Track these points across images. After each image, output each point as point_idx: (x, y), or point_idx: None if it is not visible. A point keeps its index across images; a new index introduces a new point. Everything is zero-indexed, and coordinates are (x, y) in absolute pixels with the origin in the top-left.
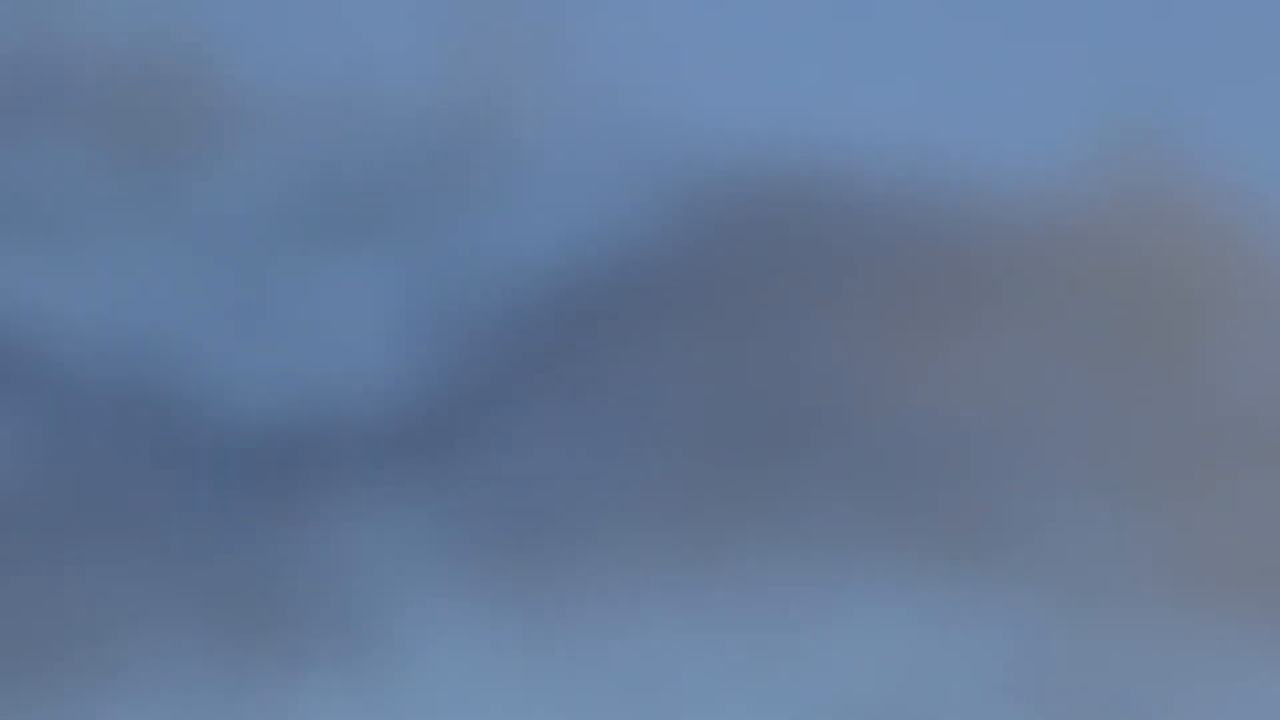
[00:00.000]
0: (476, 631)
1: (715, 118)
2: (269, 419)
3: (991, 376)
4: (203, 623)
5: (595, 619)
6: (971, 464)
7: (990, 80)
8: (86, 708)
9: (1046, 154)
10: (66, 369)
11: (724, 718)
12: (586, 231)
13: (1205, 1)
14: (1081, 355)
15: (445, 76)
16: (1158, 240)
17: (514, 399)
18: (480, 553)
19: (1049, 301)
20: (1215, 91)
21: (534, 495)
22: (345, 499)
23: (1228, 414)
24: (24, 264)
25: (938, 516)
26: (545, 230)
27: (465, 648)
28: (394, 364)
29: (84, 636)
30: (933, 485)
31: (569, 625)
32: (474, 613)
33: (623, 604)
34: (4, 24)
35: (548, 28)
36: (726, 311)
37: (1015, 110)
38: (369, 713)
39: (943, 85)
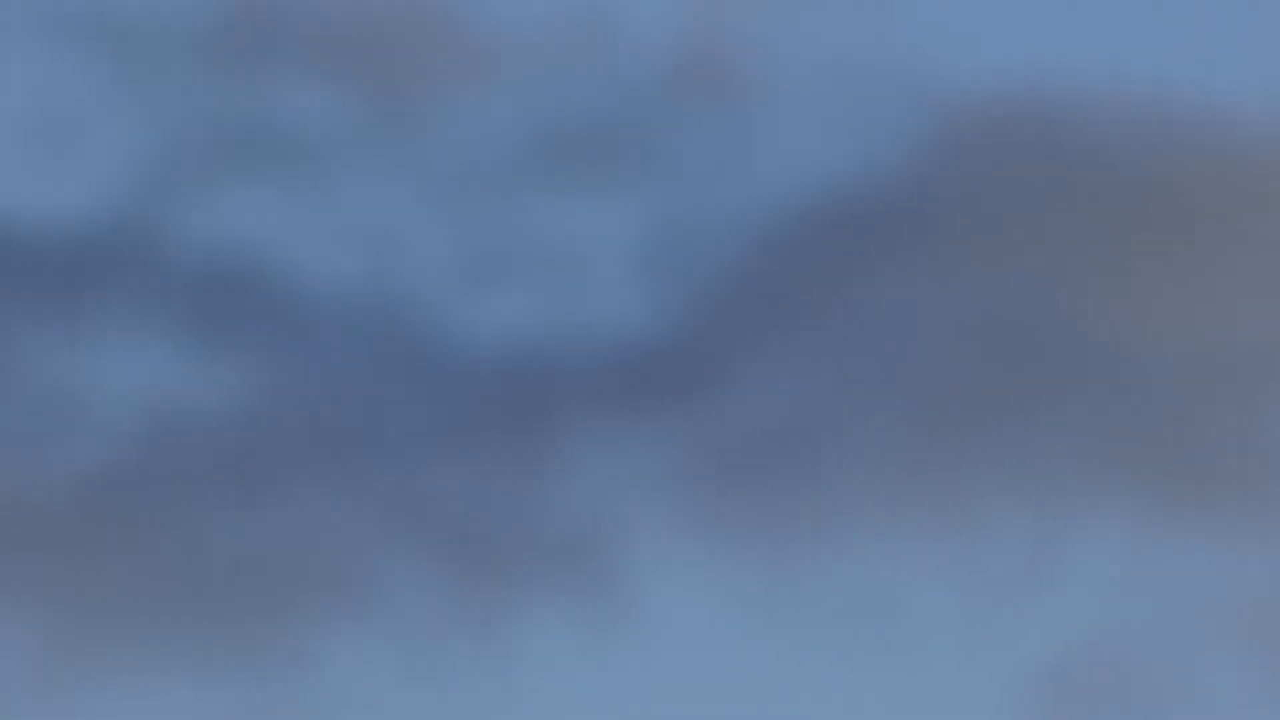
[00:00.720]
0: (711, 566)
1: (961, 51)
2: (509, 355)
3: (1240, 315)
4: (438, 553)
5: (829, 554)
6: (1214, 407)
7: (1229, 12)
8: (318, 631)
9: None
10: (310, 302)
11: (954, 657)
12: (829, 167)
13: None
14: None
15: (683, 12)
16: None
17: (755, 336)
18: (718, 488)
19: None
20: None
21: (773, 432)
22: (585, 435)
23: None
24: (271, 198)
25: (1173, 462)
26: (787, 165)
27: (699, 582)
28: (635, 300)
29: (320, 561)
30: (1170, 431)
31: (804, 561)
32: (709, 548)
33: (857, 540)
34: None
35: None
36: (971, 248)
37: (1259, 39)
38: (603, 644)
39: (1182, 18)
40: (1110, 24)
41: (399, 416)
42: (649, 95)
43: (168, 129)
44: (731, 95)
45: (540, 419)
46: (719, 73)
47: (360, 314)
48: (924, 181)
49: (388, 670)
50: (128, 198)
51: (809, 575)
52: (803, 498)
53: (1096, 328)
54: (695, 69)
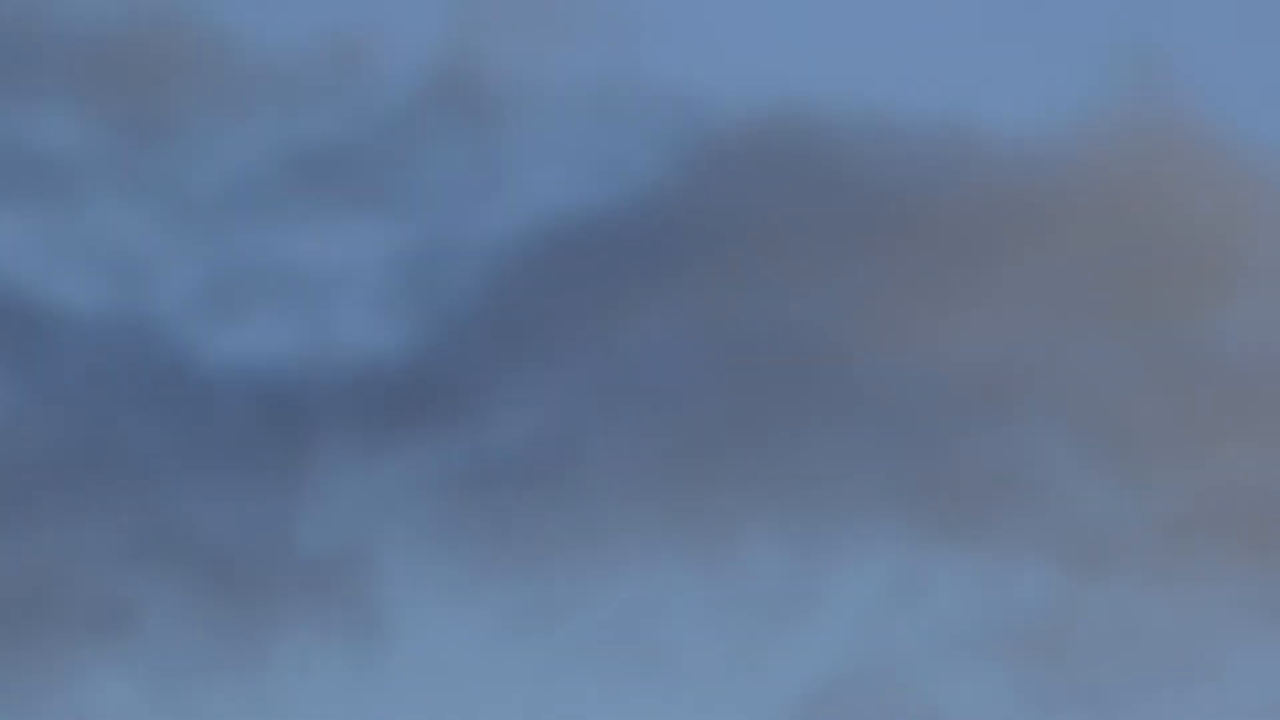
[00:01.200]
0: (467, 588)
1: (712, 77)
2: (260, 380)
3: (996, 334)
4: (193, 579)
5: (586, 577)
6: (975, 426)
7: (1009, 35)
8: (69, 662)
9: (1055, 106)
10: (61, 327)
11: (713, 682)
12: (580, 192)
13: None
14: (1090, 311)
15: (437, 40)
16: (1167, 189)
17: (506, 360)
18: (472, 512)
19: (1055, 257)
20: (1235, 40)
21: (527, 455)
22: (338, 459)
23: (1239, 365)
24: (21, 223)
25: (934, 484)
26: (539, 191)
27: (455, 604)
28: (387, 325)
29: (72, 590)
30: (930, 454)
31: (560, 584)
32: (464, 570)
33: (613, 563)
34: None
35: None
36: (723, 273)
37: (1024, 64)
38: (354, 668)
39: (948, 42)
40: (858, 50)
41: (151, 442)
42: (402, 122)
43: None
44: (484, 122)
45: (293, 444)
46: (471, 99)
47: (111, 339)
48: (676, 207)
49: (143, 700)
50: None
51: (565, 598)
52: (558, 521)
53: (854, 352)
54: (448, 96)
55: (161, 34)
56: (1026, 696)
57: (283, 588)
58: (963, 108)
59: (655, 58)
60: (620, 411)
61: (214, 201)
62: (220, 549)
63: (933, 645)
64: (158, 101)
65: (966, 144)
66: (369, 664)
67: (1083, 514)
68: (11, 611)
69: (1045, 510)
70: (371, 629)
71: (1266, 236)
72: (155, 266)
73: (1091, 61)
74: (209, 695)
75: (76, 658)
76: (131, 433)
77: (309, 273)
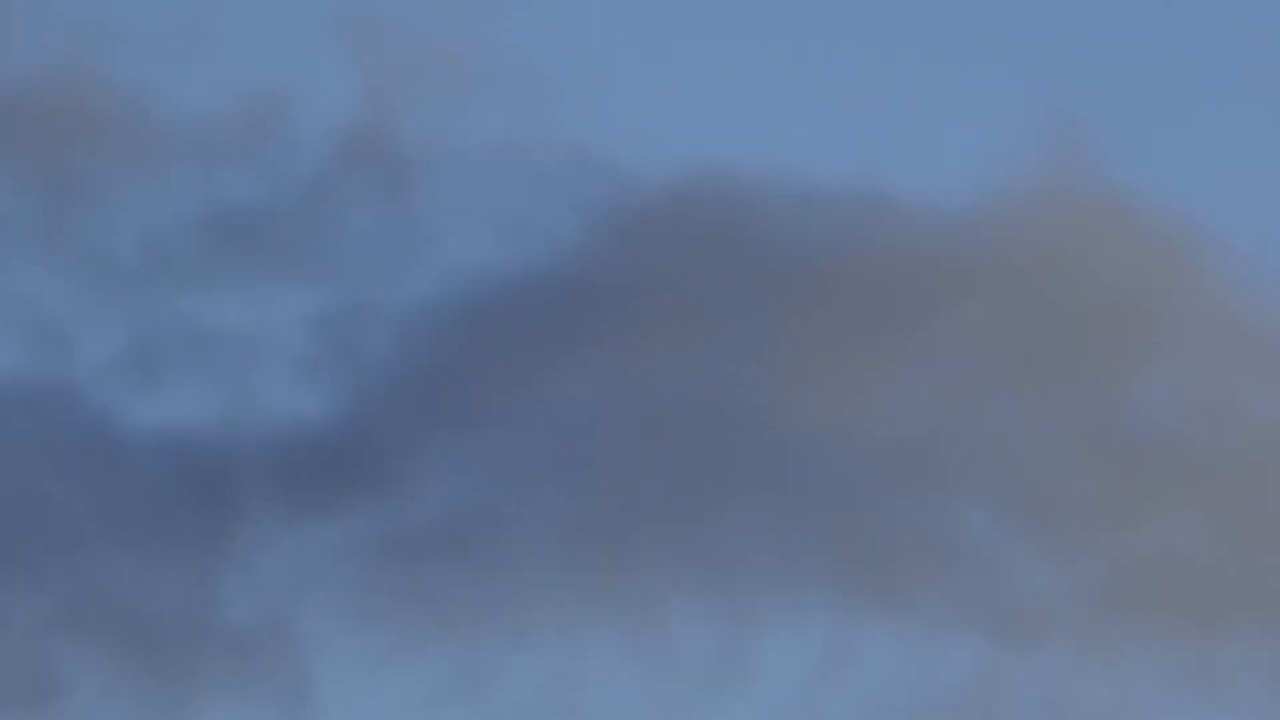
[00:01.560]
0: (389, 657)
1: (631, 142)
2: (181, 446)
3: (917, 403)
4: (115, 646)
5: (509, 647)
6: (897, 495)
7: (924, 102)
8: None
9: (973, 171)
10: None
11: None
12: (497, 257)
13: (1136, 19)
14: (1008, 377)
15: (357, 101)
16: (1085, 256)
17: (426, 427)
18: (390, 582)
19: (973, 323)
20: (1150, 109)
21: (450, 524)
22: (259, 526)
23: (1160, 433)
24: None
25: (860, 554)
26: (455, 256)
27: (377, 672)
28: (307, 392)
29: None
30: (859, 520)
31: (484, 654)
32: (386, 639)
33: (536, 633)
34: None
35: (464, 50)
36: (640, 340)
37: (951, 130)
38: None
39: (873, 108)
40: (774, 113)
41: (73, 509)
42: (317, 184)
43: None
44: (399, 184)
45: (216, 511)
46: (386, 161)
47: (29, 404)
48: (593, 270)
49: None
50: None
51: (491, 667)
52: (482, 589)
53: (776, 418)
54: (363, 157)
55: (76, 94)
56: None
57: (209, 657)
58: (881, 173)
59: (571, 120)
60: (541, 478)
61: (132, 264)
62: (145, 618)
63: (862, 715)
64: (73, 162)
65: (885, 209)
66: None
67: (1009, 584)
68: None
69: (972, 580)
70: (299, 699)
71: (1182, 304)
72: (73, 330)
73: (1010, 127)
74: None
75: None
76: (52, 500)
77: (229, 335)
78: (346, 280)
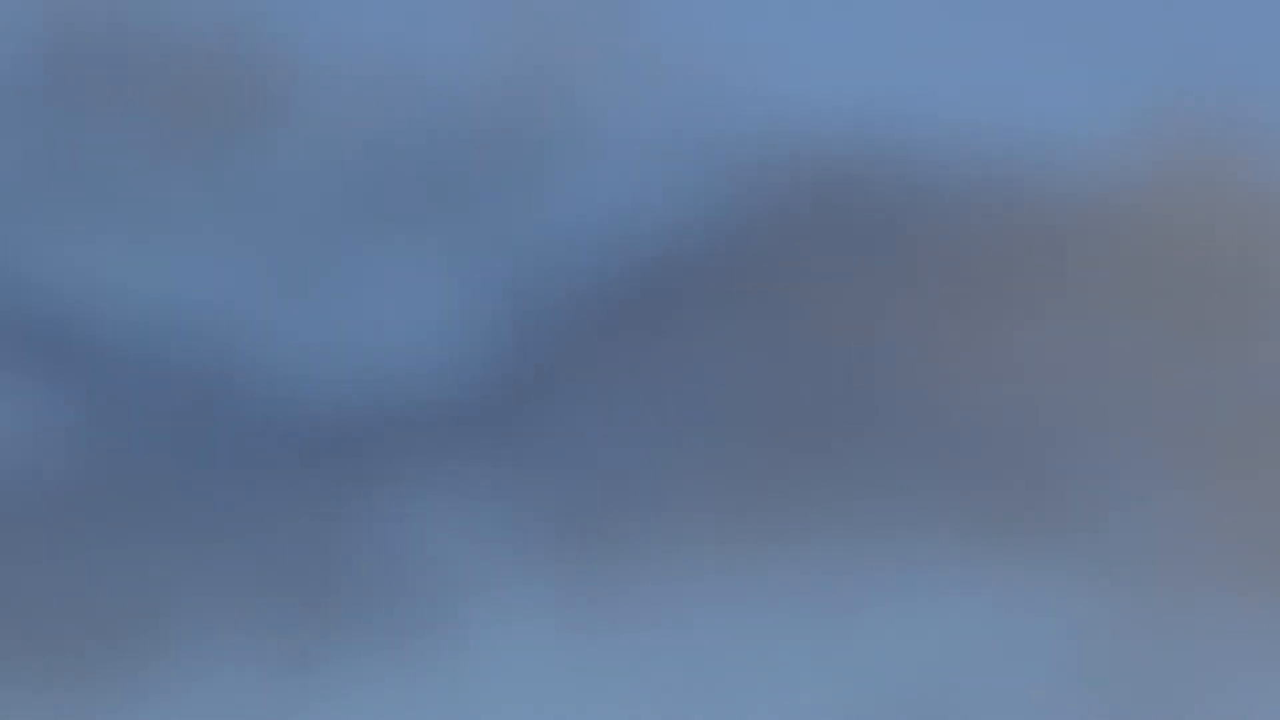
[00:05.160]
0: (534, 615)
1: (776, 93)
2: (328, 400)
3: (1048, 359)
4: (262, 607)
5: (651, 603)
6: (1027, 449)
7: (1043, 56)
8: (141, 688)
9: (1103, 131)
10: (125, 348)
11: (780, 705)
12: (646, 210)
13: None
14: (1140, 337)
15: (502, 52)
16: (1213, 218)
17: (573, 380)
18: (538, 537)
19: (1104, 284)
20: (1273, 65)
21: (592, 478)
22: (403, 482)
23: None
24: (81, 242)
25: (992, 504)
26: (605, 209)
27: (522, 631)
28: (452, 345)
29: (141, 619)
30: (987, 472)
31: (626, 610)
32: (531, 596)
33: (678, 589)
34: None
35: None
36: (783, 292)
37: (1071, 87)
38: (427, 696)
39: (996, 64)
40: (925, 71)
41: (217, 468)
42: (468, 135)
43: None
44: (553, 137)
45: (360, 466)
46: (540, 113)
47: (176, 362)
48: (744, 227)
49: None
50: None
51: (632, 621)
52: (624, 544)
53: (911, 372)
54: (516, 109)
55: (218, 48)
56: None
57: (353, 614)
58: (1009, 139)
59: (710, 73)
60: (684, 439)
61: (275, 220)
62: (289, 575)
63: (991, 669)
64: (212, 118)
65: (1015, 177)
66: (442, 691)
67: (1136, 539)
68: (82, 640)
69: (1099, 535)
70: (444, 655)
71: None
72: (217, 285)
73: (1141, 93)
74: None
75: (147, 683)
76: (196, 459)
77: (373, 293)
78: (488, 238)
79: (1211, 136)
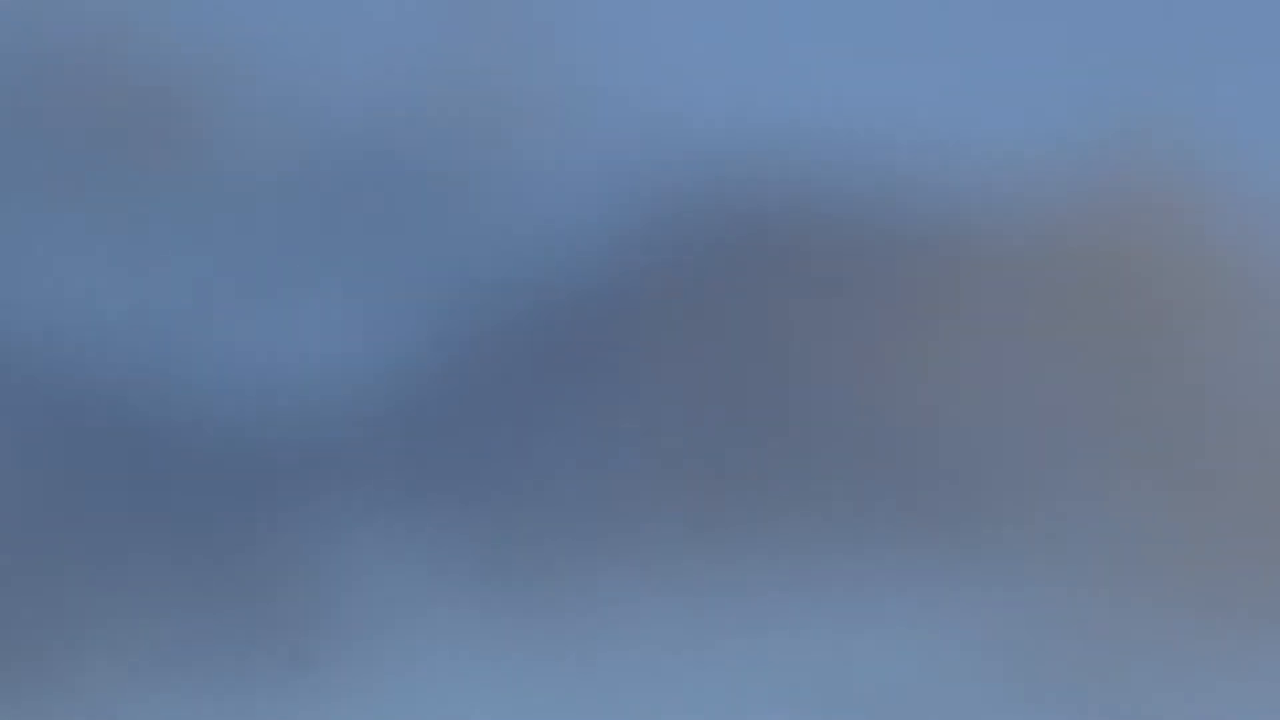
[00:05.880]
0: (457, 642)
1: (706, 120)
2: (248, 422)
3: (986, 379)
4: (176, 632)
5: (578, 628)
6: (966, 465)
7: (978, 79)
8: (46, 713)
9: (1039, 154)
10: (33, 368)
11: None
12: (578, 236)
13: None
14: (1073, 355)
15: (436, 76)
16: (1151, 241)
17: (499, 406)
18: (463, 562)
19: (1040, 306)
20: (1211, 90)
21: (518, 503)
22: (322, 507)
23: (1216, 411)
24: None
25: (934, 517)
26: (536, 234)
27: (445, 658)
28: (377, 371)
29: (67, 642)
30: (928, 486)
31: (553, 635)
32: (454, 622)
33: (604, 613)
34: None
35: (539, 25)
36: (714, 318)
37: (1006, 110)
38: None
39: (939, 87)
40: (862, 94)
41: (135, 489)
42: (398, 158)
43: None
44: (484, 162)
45: (286, 488)
46: (473, 138)
47: (90, 381)
48: (676, 253)
49: None
50: None
51: (573, 642)
52: (560, 566)
53: (851, 392)
54: (449, 133)
55: (149, 64)
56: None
57: (282, 636)
58: (944, 161)
59: (642, 98)
60: (619, 461)
61: (193, 237)
62: (217, 598)
63: (937, 677)
64: (134, 133)
65: (951, 198)
66: (377, 715)
67: (1071, 549)
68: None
69: (1035, 546)
70: (376, 678)
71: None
72: (134, 300)
73: (1076, 118)
74: None
75: (79, 709)
76: (115, 479)
77: (298, 315)
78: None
79: (1158, 164)
